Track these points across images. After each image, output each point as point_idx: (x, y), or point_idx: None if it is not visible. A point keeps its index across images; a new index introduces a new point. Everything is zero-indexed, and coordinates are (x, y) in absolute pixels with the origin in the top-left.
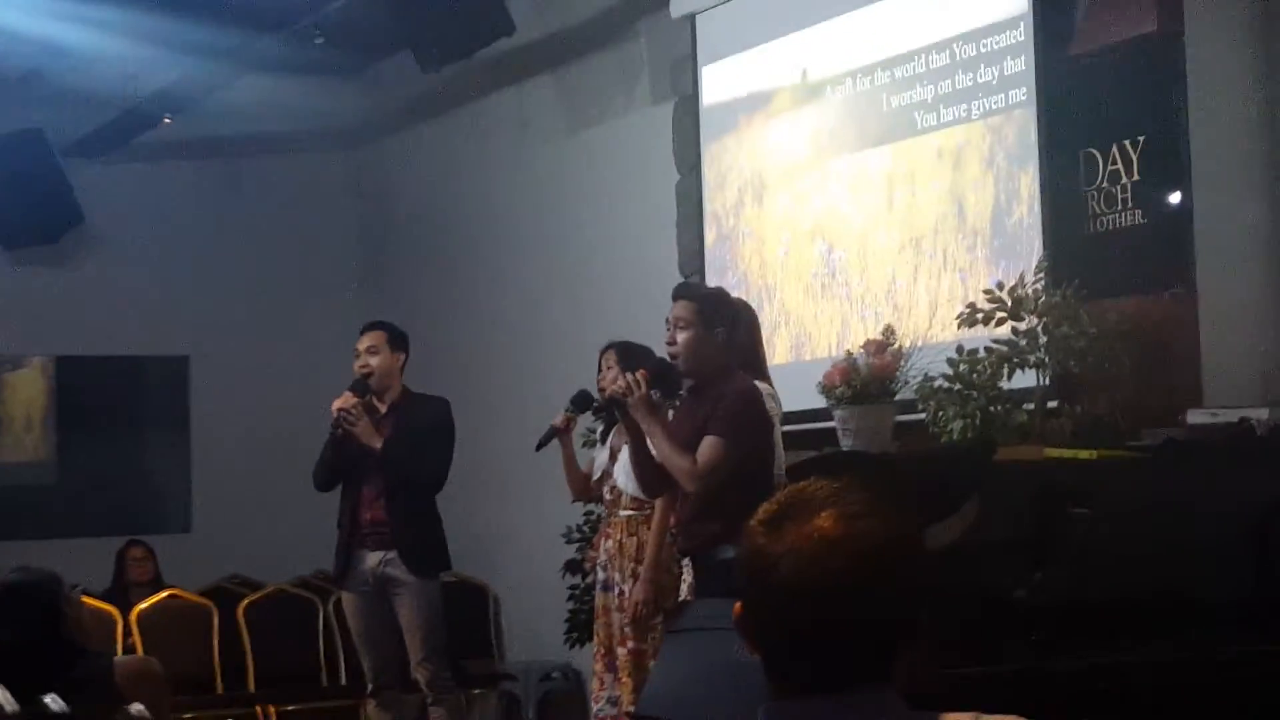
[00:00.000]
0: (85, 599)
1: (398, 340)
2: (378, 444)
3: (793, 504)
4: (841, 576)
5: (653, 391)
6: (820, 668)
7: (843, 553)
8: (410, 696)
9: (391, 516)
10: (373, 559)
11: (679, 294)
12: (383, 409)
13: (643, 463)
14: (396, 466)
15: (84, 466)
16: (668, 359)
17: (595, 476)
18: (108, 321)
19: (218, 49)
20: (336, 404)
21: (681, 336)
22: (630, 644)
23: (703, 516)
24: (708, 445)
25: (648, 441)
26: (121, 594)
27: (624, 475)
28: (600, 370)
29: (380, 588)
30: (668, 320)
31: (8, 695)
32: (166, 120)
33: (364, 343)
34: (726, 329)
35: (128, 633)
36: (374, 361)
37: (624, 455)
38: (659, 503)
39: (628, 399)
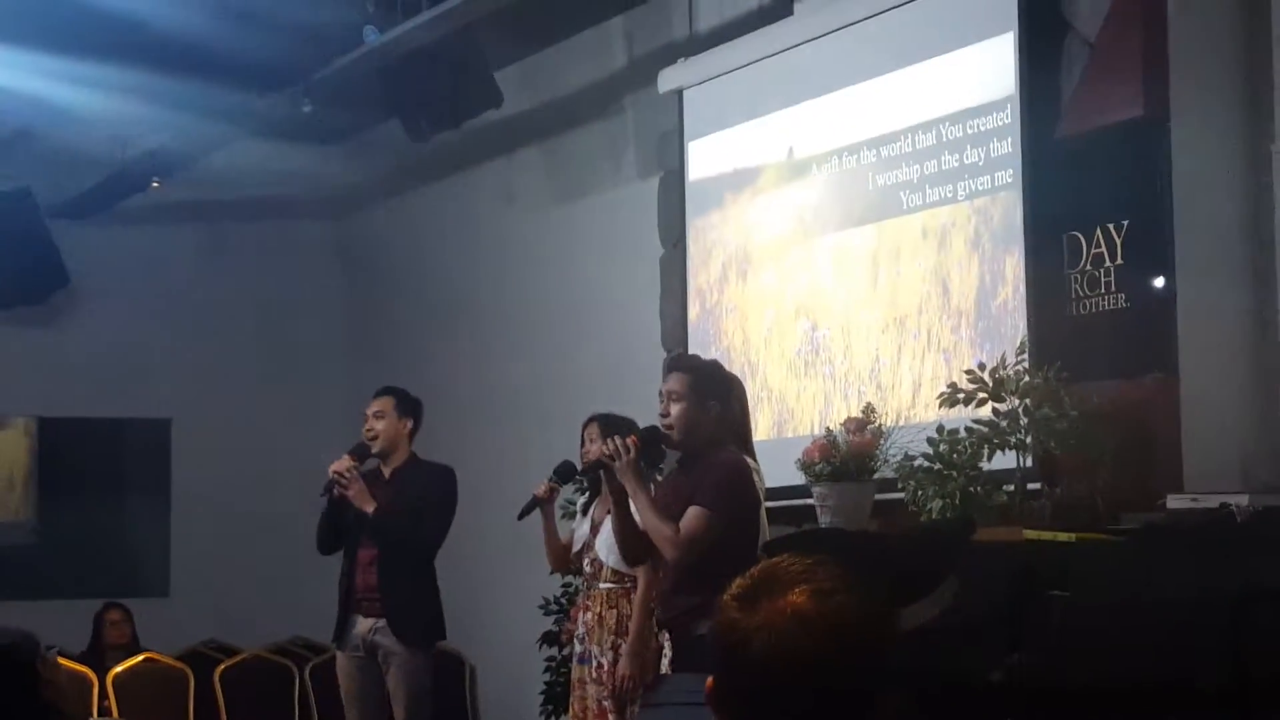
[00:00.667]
0: (61, 660)
1: (406, 406)
2: (370, 508)
3: (766, 580)
4: (814, 653)
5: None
6: None
7: (816, 629)
8: None
9: (382, 584)
10: (364, 625)
11: (673, 366)
12: (387, 474)
13: (626, 530)
14: (386, 531)
15: (64, 528)
16: (656, 428)
17: (575, 548)
18: (91, 383)
19: (206, 112)
20: (333, 467)
21: (675, 409)
22: (610, 717)
23: (682, 589)
24: (692, 515)
25: (632, 507)
26: (98, 656)
27: (605, 548)
28: (583, 444)
29: (371, 653)
30: (661, 392)
31: None
32: (154, 184)
33: (372, 408)
34: (720, 402)
35: (104, 696)
36: (379, 426)
37: (605, 528)
38: (642, 576)
39: (615, 463)
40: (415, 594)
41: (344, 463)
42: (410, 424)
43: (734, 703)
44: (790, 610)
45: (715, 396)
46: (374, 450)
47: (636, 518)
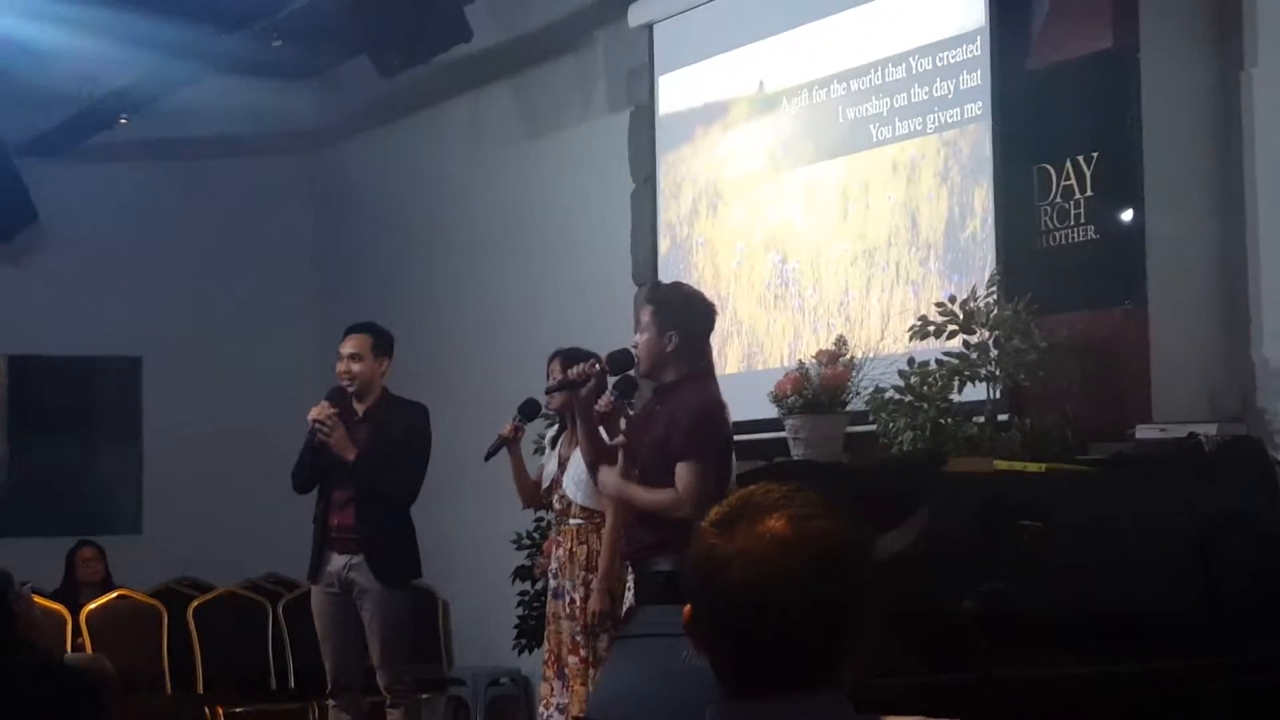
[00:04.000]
0: (35, 598)
1: (382, 345)
2: (351, 456)
3: (744, 506)
4: (793, 577)
5: (613, 392)
6: (769, 669)
7: (795, 553)
8: (367, 698)
9: (360, 524)
10: (339, 561)
11: (643, 296)
12: (360, 412)
13: (593, 449)
14: (369, 480)
15: (35, 466)
16: (627, 351)
17: (545, 485)
18: (61, 321)
19: (175, 49)
20: (312, 414)
21: (640, 340)
22: (581, 652)
23: (646, 523)
24: (685, 473)
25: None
26: (71, 594)
27: (573, 484)
28: (548, 378)
29: (346, 589)
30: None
31: None
32: (123, 120)
33: (347, 347)
34: (679, 332)
35: (77, 632)
36: (356, 368)
37: (573, 464)
38: (610, 511)
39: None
40: (392, 533)
41: (323, 409)
42: (386, 363)
43: (713, 630)
44: (769, 535)
45: (675, 327)
46: (350, 391)
47: (633, 500)
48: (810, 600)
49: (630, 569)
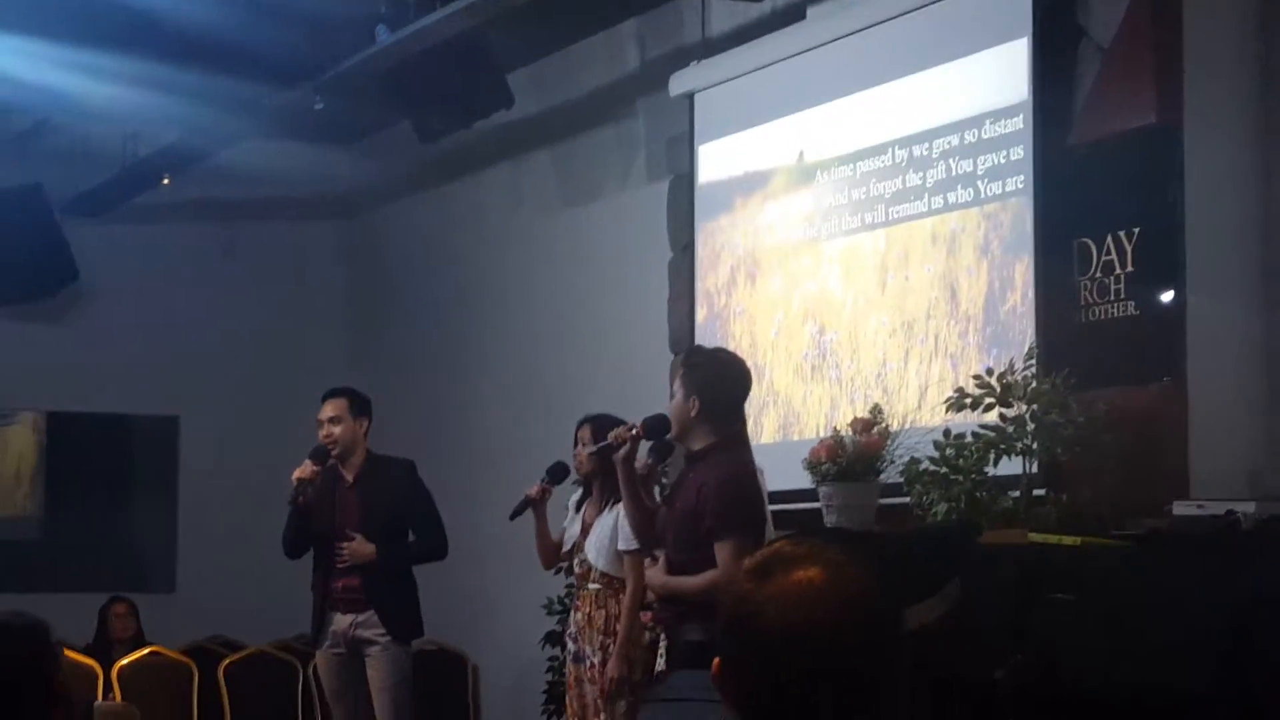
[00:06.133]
0: (67, 652)
1: (360, 406)
2: (374, 555)
3: (777, 556)
4: (828, 623)
5: (650, 456)
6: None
7: (829, 599)
8: None
9: (368, 583)
10: (344, 621)
11: (679, 360)
12: (349, 478)
13: (638, 514)
14: (399, 562)
15: (71, 522)
16: (664, 416)
17: (566, 548)
18: (100, 379)
19: (219, 109)
20: (297, 473)
21: (670, 403)
22: (601, 716)
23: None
24: (723, 552)
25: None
26: (104, 650)
27: (594, 550)
28: (576, 444)
29: (353, 649)
30: None
31: None
32: (165, 181)
33: (326, 412)
34: (703, 397)
35: (108, 688)
36: (337, 431)
37: (595, 530)
38: (630, 578)
39: (616, 453)
40: (402, 592)
41: (307, 468)
42: (366, 423)
43: (745, 678)
44: (804, 581)
45: (699, 391)
46: (333, 454)
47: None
48: (844, 646)
49: (662, 636)
